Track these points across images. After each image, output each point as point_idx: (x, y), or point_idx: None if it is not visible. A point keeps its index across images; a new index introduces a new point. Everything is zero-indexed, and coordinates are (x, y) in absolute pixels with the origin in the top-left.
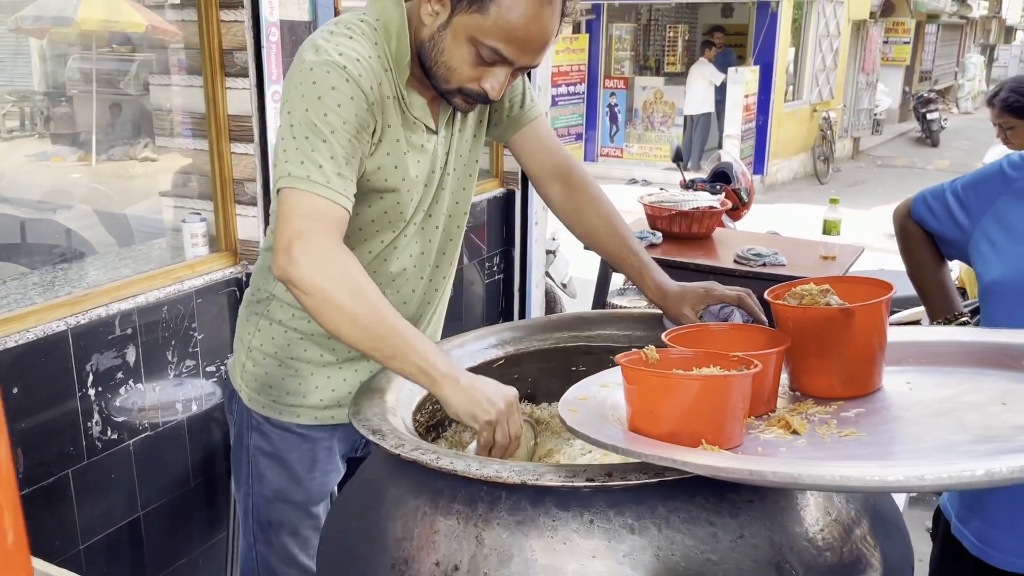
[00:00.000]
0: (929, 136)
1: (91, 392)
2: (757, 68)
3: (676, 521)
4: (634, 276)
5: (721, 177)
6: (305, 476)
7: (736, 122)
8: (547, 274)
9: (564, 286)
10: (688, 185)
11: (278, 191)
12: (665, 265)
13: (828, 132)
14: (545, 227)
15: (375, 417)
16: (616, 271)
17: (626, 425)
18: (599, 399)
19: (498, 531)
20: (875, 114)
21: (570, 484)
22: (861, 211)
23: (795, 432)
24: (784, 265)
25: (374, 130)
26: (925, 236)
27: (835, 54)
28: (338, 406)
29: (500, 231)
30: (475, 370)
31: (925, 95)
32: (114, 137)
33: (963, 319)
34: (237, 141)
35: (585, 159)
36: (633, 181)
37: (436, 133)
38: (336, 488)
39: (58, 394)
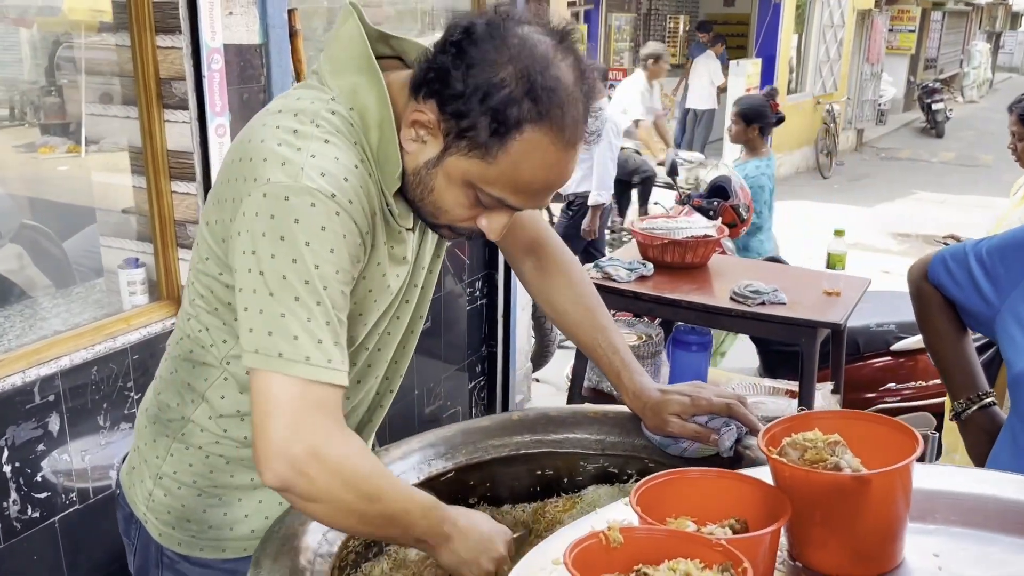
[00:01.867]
0: (934, 127)
1: (6, 468)
2: (759, 61)
3: None
4: (611, 376)
5: (719, 192)
6: None
7: None
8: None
9: None
10: (684, 200)
11: (253, 369)
12: (656, 302)
13: (832, 125)
14: None
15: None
16: (593, 361)
17: None
18: None
19: None
20: (879, 105)
21: None
22: (865, 208)
23: None
24: (784, 304)
25: (364, 263)
26: (944, 302)
27: (839, 44)
28: None
29: (483, 253)
30: (421, 486)
31: (930, 85)
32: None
33: (989, 400)
34: (178, 179)
35: None
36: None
37: (412, 230)
38: None
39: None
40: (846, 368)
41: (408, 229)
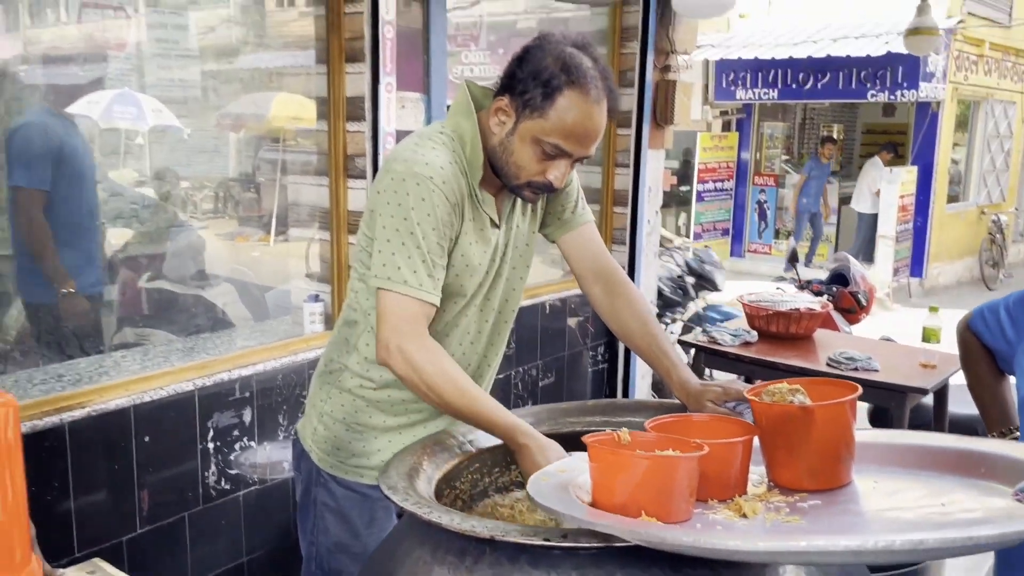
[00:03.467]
0: None
1: (210, 446)
2: (915, 168)
3: None
4: (663, 373)
5: (839, 279)
6: (363, 531)
7: (891, 223)
8: None
9: None
10: (803, 286)
11: (376, 288)
12: (754, 364)
13: (998, 236)
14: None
15: (396, 476)
16: (649, 364)
17: (589, 498)
18: (566, 478)
19: None
20: None
21: (530, 542)
22: None
23: (744, 515)
24: (877, 371)
25: (458, 227)
26: (983, 349)
27: (1007, 155)
28: None
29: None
30: None
31: None
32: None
33: (1017, 433)
34: (354, 233)
35: (732, 255)
36: (781, 278)
37: (498, 227)
38: None
39: (182, 445)
40: None
41: (495, 224)
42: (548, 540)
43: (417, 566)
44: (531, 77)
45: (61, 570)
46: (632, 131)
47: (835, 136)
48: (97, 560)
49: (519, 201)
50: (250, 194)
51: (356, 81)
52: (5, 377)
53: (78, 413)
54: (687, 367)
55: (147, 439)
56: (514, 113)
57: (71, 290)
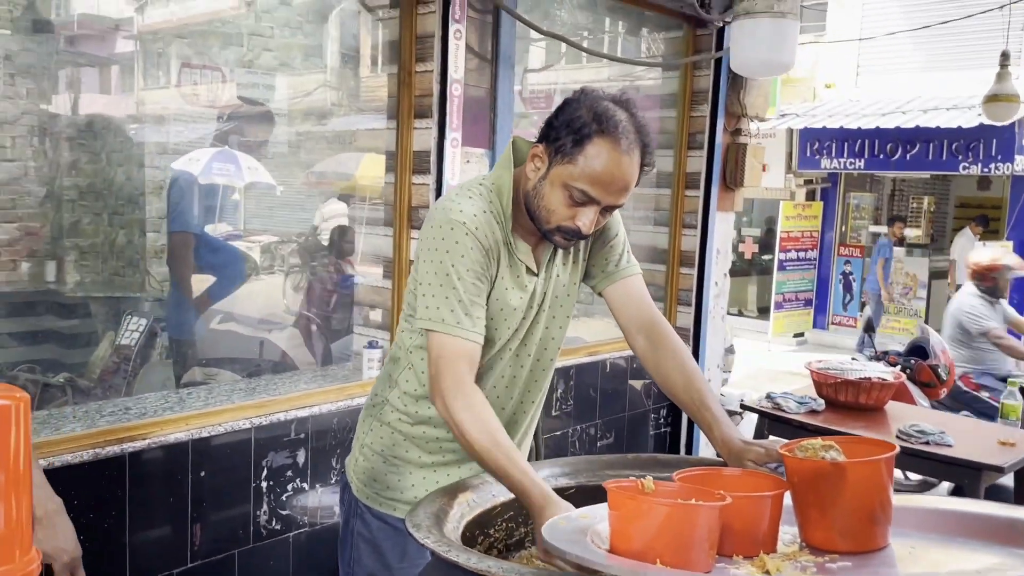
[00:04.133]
0: None
1: (263, 485)
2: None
3: None
4: (704, 427)
5: (918, 352)
6: (395, 564)
7: None
8: None
9: None
10: (880, 357)
11: (424, 330)
12: (819, 433)
13: None
14: (718, 383)
15: (424, 514)
16: (692, 419)
17: (606, 546)
18: (586, 524)
19: None
20: None
21: None
22: None
23: (767, 573)
24: (951, 446)
25: (493, 272)
26: None
27: None
28: None
29: None
30: None
31: None
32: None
33: None
34: None
35: (815, 326)
36: (875, 358)
37: (536, 275)
38: None
39: (236, 483)
40: None
41: (532, 272)
42: None
43: None
44: (565, 125)
45: None
46: (700, 193)
47: (904, 215)
48: None
49: (560, 252)
50: (328, 246)
51: (423, 136)
52: (77, 408)
53: (139, 444)
54: (731, 423)
55: (203, 474)
56: (547, 159)
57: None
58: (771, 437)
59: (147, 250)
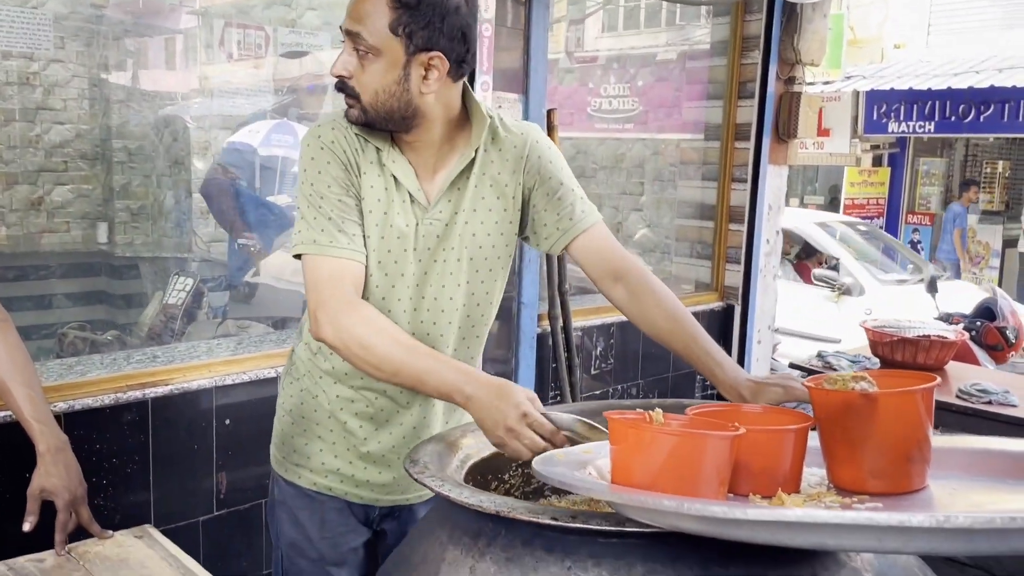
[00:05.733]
0: None
1: None
2: None
3: None
4: (707, 373)
5: (985, 313)
6: (316, 536)
7: None
8: None
9: None
10: (944, 318)
11: (295, 256)
12: None
13: None
14: (769, 346)
15: (425, 454)
16: (692, 368)
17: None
18: (587, 458)
19: (488, 563)
20: None
21: (538, 520)
22: None
23: None
24: (1015, 406)
25: (358, 187)
26: None
27: None
28: (338, 477)
29: None
30: None
31: None
32: None
33: None
34: None
35: None
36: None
37: (417, 202)
38: (364, 548)
39: (262, 432)
40: None
41: (415, 201)
42: (556, 520)
43: (433, 546)
44: None
45: (111, 531)
46: (751, 145)
47: (979, 180)
48: (148, 527)
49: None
50: None
51: None
52: (105, 356)
53: (161, 390)
54: (735, 364)
55: (228, 422)
56: None
57: None
58: (790, 372)
59: (193, 211)
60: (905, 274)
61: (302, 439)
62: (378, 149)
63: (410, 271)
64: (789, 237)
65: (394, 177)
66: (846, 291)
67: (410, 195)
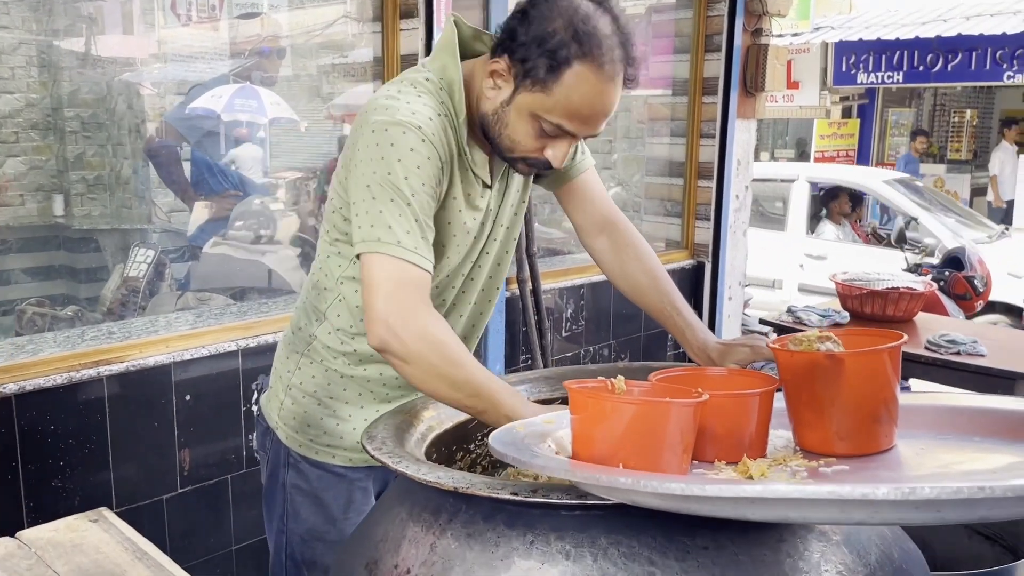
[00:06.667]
0: None
1: (254, 408)
2: None
3: (615, 554)
4: (677, 334)
5: (953, 263)
6: (340, 516)
7: None
8: None
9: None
10: (912, 269)
11: (362, 254)
12: None
13: None
14: (740, 302)
15: (383, 429)
16: (662, 326)
17: (567, 453)
18: (548, 429)
19: (449, 540)
20: None
21: (498, 495)
22: None
23: (750, 478)
24: (984, 356)
25: (444, 189)
26: None
27: None
28: None
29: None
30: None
31: None
32: None
33: None
34: None
35: None
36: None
37: (490, 188)
38: None
39: (224, 407)
40: None
41: (486, 186)
42: (516, 494)
43: (393, 524)
44: (536, 43)
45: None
46: (719, 99)
47: (928, 130)
48: (103, 510)
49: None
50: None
51: (410, 38)
52: (59, 333)
53: (116, 367)
54: (705, 328)
55: (188, 398)
56: (512, 81)
57: None
58: (759, 331)
59: (152, 180)
60: (981, 232)
61: (333, 420)
62: (460, 142)
63: (469, 260)
64: (849, 197)
65: (475, 173)
66: (930, 252)
67: (483, 183)
